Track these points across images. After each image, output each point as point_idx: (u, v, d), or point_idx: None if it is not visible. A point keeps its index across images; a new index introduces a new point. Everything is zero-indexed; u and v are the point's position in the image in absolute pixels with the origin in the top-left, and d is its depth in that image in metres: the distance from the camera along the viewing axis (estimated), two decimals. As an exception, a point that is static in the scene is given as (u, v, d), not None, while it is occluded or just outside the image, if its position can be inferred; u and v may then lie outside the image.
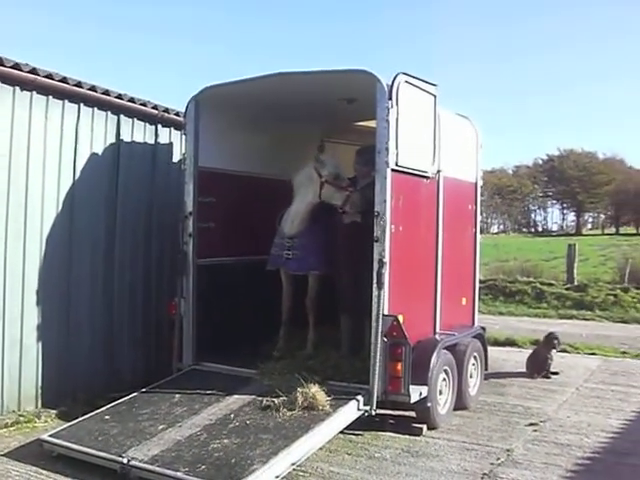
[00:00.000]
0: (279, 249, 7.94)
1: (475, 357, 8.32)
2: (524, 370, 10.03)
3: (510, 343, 12.63)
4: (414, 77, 6.89)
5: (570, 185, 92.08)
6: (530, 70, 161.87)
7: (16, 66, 6.96)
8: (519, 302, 18.49)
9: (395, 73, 6.67)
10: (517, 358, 10.94)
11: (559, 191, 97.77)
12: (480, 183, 8.91)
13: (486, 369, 8.70)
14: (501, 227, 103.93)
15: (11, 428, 6.90)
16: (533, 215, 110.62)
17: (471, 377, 8.18)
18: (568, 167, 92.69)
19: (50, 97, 7.48)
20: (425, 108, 7.16)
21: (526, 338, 12.77)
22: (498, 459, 6.34)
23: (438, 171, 7.54)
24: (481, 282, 21.09)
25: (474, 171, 8.78)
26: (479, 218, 8.93)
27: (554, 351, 9.92)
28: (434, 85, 7.19)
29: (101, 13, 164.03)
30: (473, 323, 8.86)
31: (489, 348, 9.04)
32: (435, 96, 7.24)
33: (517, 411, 8.03)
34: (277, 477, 5.39)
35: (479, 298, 9.41)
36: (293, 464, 5.62)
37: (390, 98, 6.56)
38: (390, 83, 6.62)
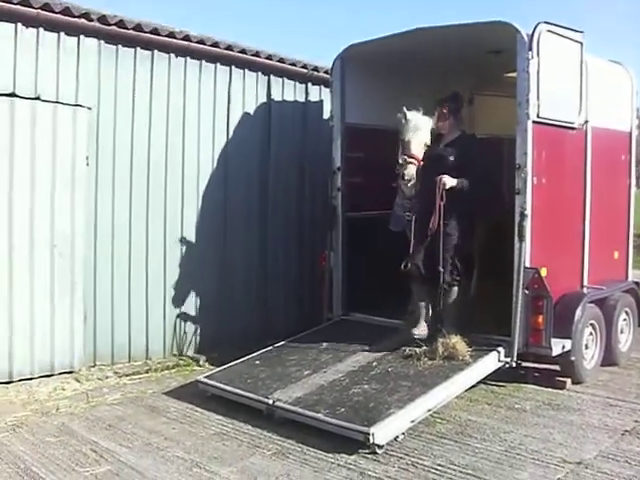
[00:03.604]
0: (401, 209, 7.47)
1: (627, 312, 8.07)
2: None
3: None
4: (557, 25, 6.70)
5: None
6: None
7: (170, 34, 7.46)
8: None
9: (536, 23, 6.54)
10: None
11: None
12: (636, 132, 8.53)
13: (639, 325, 8.42)
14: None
15: (172, 370, 7.59)
16: None
17: (622, 333, 7.96)
18: None
19: (203, 61, 7.98)
20: (570, 57, 6.95)
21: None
22: (643, 416, 6.20)
23: (585, 121, 7.33)
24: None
25: (628, 120, 8.41)
26: (634, 169, 8.56)
27: None
28: (580, 32, 6.96)
29: None
30: (626, 278, 8.56)
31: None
32: (581, 43, 7.00)
33: (671, 369, 7.75)
34: (412, 422, 5.60)
35: (634, 252, 9.03)
36: (429, 410, 5.81)
37: (530, 49, 6.44)
38: (530, 33, 6.50)
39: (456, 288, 6.96)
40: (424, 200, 6.94)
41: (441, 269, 6.80)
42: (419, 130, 7.06)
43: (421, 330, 6.87)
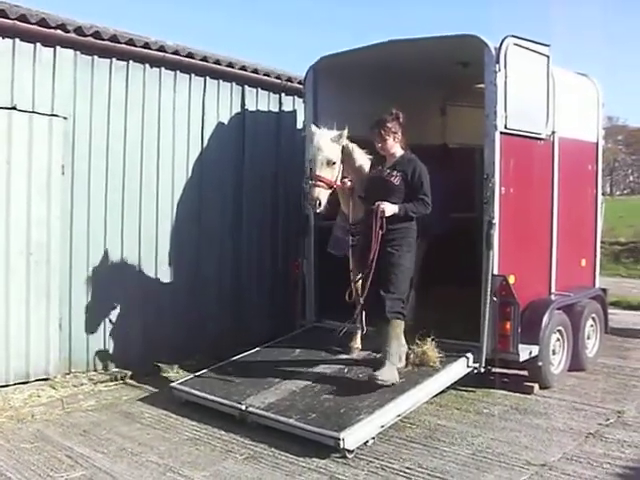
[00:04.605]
0: (342, 232, 7.07)
1: (594, 318, 8.27)
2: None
3: (645, 307, 12.21)
4: (524, 39, 6.90)
5: None
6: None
7: (146, 45, 7.56)
8: (663, 265, 17.64)
9: (503, 36, 6.72)
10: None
11: None
12: (602, 143, 8.76)
13: (606, 331, 8.61)
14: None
15: (147, 377, 7.65)
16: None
17: (589, 338, 8.16)
18: None
19: (178, 72, 8.09)
20: (537, 69, 7.15)
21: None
22: (607, 420, 6.34)
23: (553, 132, 7.52)
24: (622, 245, 20.54)
25: (594, 130, 8.64)
26: (600, 178, 8.78)
27: None
28: (547, 46, 7.16)
29: None
30: (594, 285, 8.77)
31: (621, 312, 8.86)
32: (548, 57, 7.20)
33: (637, 374, 7.92)
34: (382, 427, 5.73)
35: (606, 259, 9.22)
36: (399, 415, 5.94)
37: (497, 62, 6.63)
38: (498, 46, 6.68)
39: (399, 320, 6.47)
40: (369, 226, 6.37)
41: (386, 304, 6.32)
42: (320, 150, 6.50)
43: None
